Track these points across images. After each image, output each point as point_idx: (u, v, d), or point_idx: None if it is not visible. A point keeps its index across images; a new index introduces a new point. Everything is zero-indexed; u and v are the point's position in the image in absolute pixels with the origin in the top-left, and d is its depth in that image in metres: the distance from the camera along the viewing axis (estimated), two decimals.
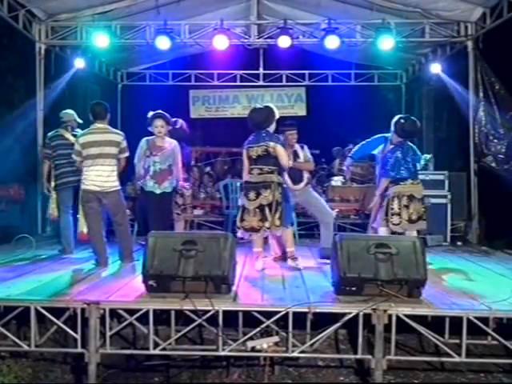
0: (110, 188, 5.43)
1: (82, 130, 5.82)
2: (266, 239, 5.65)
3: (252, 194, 5.24)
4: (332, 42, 7.79)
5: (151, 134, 6.02)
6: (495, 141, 7.42)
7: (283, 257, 5.79)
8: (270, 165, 5.25)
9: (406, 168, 5.63)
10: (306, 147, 6.12)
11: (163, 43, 7.83)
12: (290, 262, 5.52)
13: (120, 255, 5.72)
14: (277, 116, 5.41)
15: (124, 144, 5.55)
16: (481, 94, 7.58)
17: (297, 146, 6.08)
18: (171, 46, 7.92)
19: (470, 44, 7.89)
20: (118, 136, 5.52)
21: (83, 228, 5.77)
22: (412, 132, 5.77)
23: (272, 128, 5.40)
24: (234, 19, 8.61)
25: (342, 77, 10.86)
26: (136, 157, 6.01)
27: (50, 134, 6.38)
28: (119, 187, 5.57)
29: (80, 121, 6.48)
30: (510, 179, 7.06)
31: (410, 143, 5.79)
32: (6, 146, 7.18)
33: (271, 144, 5.22)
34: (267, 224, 5.20)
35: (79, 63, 8.77)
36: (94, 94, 9.63)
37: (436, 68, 8.84)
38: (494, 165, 7.40)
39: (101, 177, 5.38)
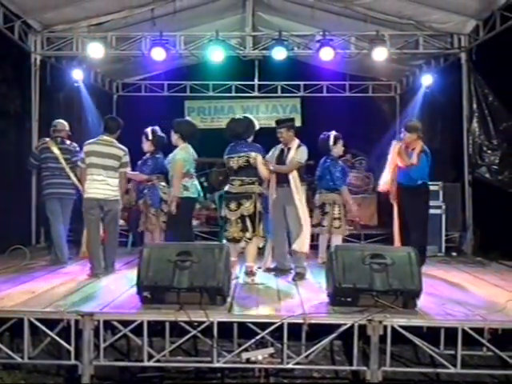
0: (112, 197, 5.58)
1: (73, 141, 6.10)
2: (260, 249, 5.62)
3: (233, 205, 5.31)
4: (327, 54, 7.84)
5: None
6: (489, 152, 7.46)
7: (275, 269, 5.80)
8: (251, 176, 5.35)
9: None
10: (302, 148, 5.61)
11: (159, 54, 7.86)
12: (245, 278, 5.37)
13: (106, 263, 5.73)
14: (256, 127, 5.50)
15: (125, 159, 5.68)
16: (474, 106, 7.63)
17: (292, 144, 5.64)
18: (166, 57, 7.95)
19: (463, 56, 7.95)
20: (120, 151, 5.66)
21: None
22: None
23: (251, 138, 5.49)
24: (229, 31, 8.67)
25: (336, 88, 10.93)
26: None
27: (39, 143, 6.45)
28: (119, 197, 5.69)
29: (69, 133, 6.48)
30: (504, 190, 7.10)
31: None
32: (1, 155, 7.16)
33: (252, 155, 5.32)
34: (248, 234, 5.27)
35: (78, 75, 8.78)
36: (89, 104, 9.61)
37: (428, 80, 8.91)
38: (487, 175, 7.44)
39: (106, 185, 5.54)
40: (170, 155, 5.93)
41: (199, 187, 6.00)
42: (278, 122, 5.78)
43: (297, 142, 5.66)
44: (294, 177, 5.49)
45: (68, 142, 6.39)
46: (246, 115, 5.71)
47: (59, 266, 6.02)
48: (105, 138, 5.65)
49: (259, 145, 5.47)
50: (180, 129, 5.92)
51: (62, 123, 6.45)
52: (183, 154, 5.80)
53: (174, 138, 5.92)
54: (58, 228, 6.14)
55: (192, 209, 6.10)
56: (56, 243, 6.16)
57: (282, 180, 5.55)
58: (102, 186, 5.52)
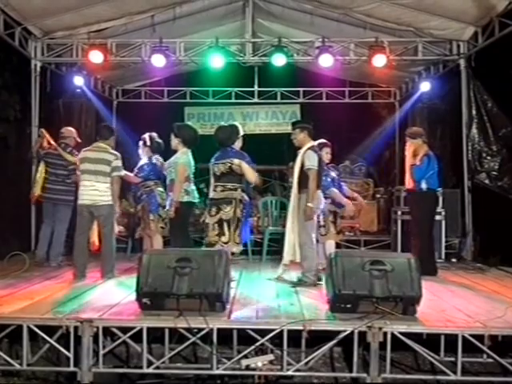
0: (102, 202, 5.63)
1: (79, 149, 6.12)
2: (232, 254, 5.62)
3: (213, 210, 5.45)
4: (326, 60, 7.86)
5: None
6: (488, 158, 7.48)
7: None
8: (234, 182, 5.45)
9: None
10: (308, 152, 5.45)
11: (158, 61, 7.88)
12: None
13: (101, 269, 5.78)
14: (241, 133, 5.64)
15: (116, 164, 5.71)
16: (473, 112, 7.64)
17: (304, 148, 5.54)
18: (166, 64, 7.97)
19: (462, 62, 7.98)
20: (111, 156, 5.72)
21: (95, 238, 5.96)
22: None
23: (237, 145, 5.59)
24: (229, 37, 8.68)
25: (336, 94, 10.95)
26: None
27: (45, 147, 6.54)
28: (111, 202, 5.69)
29: (79, 140, 6.55)
30: (504, 196, 7.10)
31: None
32: (0, 161, 7.17)
33: (236, 161, 5.43)
34: (224, 239, 5.39)
35: (79, 81, 8.79)
36: (89, 110, 9.63)
37: (426, 86, 8.94)
38: (487, 182, 7.45)
39: (96, 191, 5.62)
40: (171, 159, 5.93)
41: (197, 193, 6.00)
42: (293, 124, 5.82)
43: (308, 145, 5.53)
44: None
45: (69, 149, 6.44)
46: (232, 123, 5.86)
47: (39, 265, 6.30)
48: (99, 144, 5.79)
49: (245, 152, 5.59)
50: (182, 134, 5.92)
51: (69, 130, 6.63)
52: (185, 159, 5.81)
53: (175, 142, 5.92)
54: (44, 230, 6.57)
55: (191, 213, 6.12)
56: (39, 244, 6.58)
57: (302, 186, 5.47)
58: (90, 191, 5.63)
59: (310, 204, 5.32)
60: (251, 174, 5.46)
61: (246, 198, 5.55)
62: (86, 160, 5.70)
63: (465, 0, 6.82)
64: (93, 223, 5.81)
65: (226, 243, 5.37)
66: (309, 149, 5.47)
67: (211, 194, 5.56)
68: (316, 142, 6.00)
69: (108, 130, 5.95)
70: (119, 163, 5.75)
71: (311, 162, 5.38)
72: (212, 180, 5.62)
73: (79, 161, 5.79)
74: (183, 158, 5.81)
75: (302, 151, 5.50)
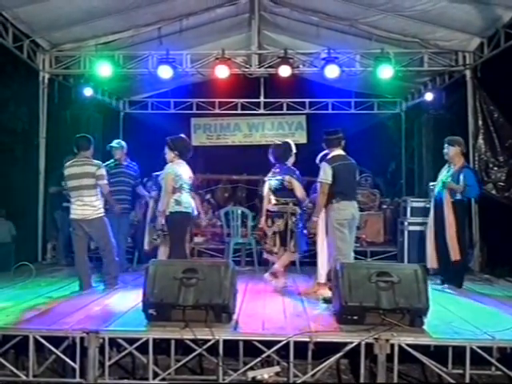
0: (91, 215, 5.66)
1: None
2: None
3: (269, 221, 5.87)
4: (332, 71, 7.89)
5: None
6: (495, 168, 7.45)
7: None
8: (286, 196, 5.78)
9: None
10: (320, 165, 5.57)
11: (165, 72, 7.93)
12: (267, 275, 5.85)
13: (103, 280, 5.88)
14: (294, 151, 5.95)
15: (99, 172, 5.70)
16: (480, 122, 7.63)
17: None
18: (173, 75, 8.02)
19: (468, 73, 7.98)
20: (92, 167, 5.71)
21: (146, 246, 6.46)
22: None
23: (290, 161, 5.91)
24: (235, 49, 8.74)
25: (342, 105, 10.97)
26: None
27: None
28: (102, 214, 5.73)
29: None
30: (511, 206, 7.06)
31: None
32: (8, 172, 7.22)
33: (286, 178, 5.74)
34: (275, 249, 5.83)
35: (88, 92, 8.84)
36: (96, 122, 9.71)
37: (430, 97, 8.95)
38: (494, 192, 7.42)
39: (84, 206, 5.66)
40: (163, 171, 5.90)
41: (193, 203, 5.89)
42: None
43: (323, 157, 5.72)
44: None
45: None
46: (286, 140, 6.19)
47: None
48: (78, 158, 5.75)
49: (295, 168, 5.88)
50: (177, 147, 5.83)
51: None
52: (175, 169, 5.73)
53: (171, 155, 5.84)
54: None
55: (185, 224, 5.93)
56: None
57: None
58: (79, 206, 5.66)
59: (314, 218, 5.52)
60: (299, 190, 5.76)
61: (299, 210, 5.83)
62: (71, 177, 5.67)
63: (470, 11, 6.83)
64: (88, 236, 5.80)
65: (276, 253, 5.85)
66: (320, 162, 5.62)
67: (268, 207, 5.94)
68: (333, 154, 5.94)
69: (86, 141, 5.85)
70: (102, 171, 5.74)
71: (322, 174, 5.47)
72: (266, 193, 5.99)
73: (66, 178, 5.74)
74: (172, 167, 5.73)
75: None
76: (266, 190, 6.03)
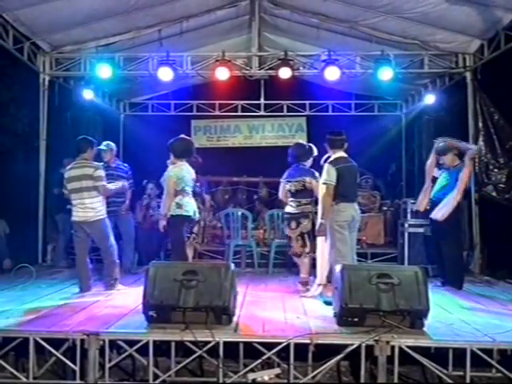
0: (92, 218, 5.68)
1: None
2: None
3: (293, 224, 5.81)
4: (332, 73, 7.89)
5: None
6: (495, 170, 7.46)
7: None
8: (307, 197, 5.80)
9: None
10: (324, 166, 5.52)
11: (166, 74, 7.94)
12: (299, 286, 5.88)
13: (104, 282, 5.89)
14: (315, 153, 5.94)
15: (97, 174, 5.70)
16: (480, 124, 7.64)
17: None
18: (173, 77, 8.02)
19: (468, 75, 7.99)
20: (89, 169, 5.72)
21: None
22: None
23: (309, 162, 5.92)
24: (235, 51, 8.74)
25: (342, 107, 10.96)
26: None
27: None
28: (102, 216, 5.74)
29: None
30: (511, 208, 7.06)
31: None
32: (8, 174, 7.22)
33: (307, 179, 5.77)
34: (307, 249, 5.76)
35: (88, 94, 8.83)
36: (96, 124, 9.71)
37: (431, 99, 8.95)
38: (494, 194, 7.42)
39: (85, 209, 5.67)
40: (165, 173, 5.88)
41: (195, 206, 5.84)
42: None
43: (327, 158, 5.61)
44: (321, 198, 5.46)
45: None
46: (310, 144, 6.16)
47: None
48: (78, 159, 5.77)
49: (312, 169, 5.88)
50: (176, 148, 5.81)
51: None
52: (176, 172, 5.69)
53: (172, 158, 5.82)
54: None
55: (185, 227, 5.82)
56: None
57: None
58: (79, 209, 5.68)
59: (321, 220, 5.36)
60: (320, 191, 5.64)
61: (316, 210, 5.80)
62: (70, 179, 5.70)
63: (470, 13, 6.84)
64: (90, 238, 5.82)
65: (308, 253, 5.77)
66: (324, 163, 5.56)
67: (288, 209, 5.88)
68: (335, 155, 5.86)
69: (85, 142, 5.87)
70: (100, 173, 5.74)
71: (325, 175, 5.40)
72: (284, 194, 5.93)
73: (66, 181, 5.75)
74: (174, 170, 5.70)
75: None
76: (282, 190, 5.95)
